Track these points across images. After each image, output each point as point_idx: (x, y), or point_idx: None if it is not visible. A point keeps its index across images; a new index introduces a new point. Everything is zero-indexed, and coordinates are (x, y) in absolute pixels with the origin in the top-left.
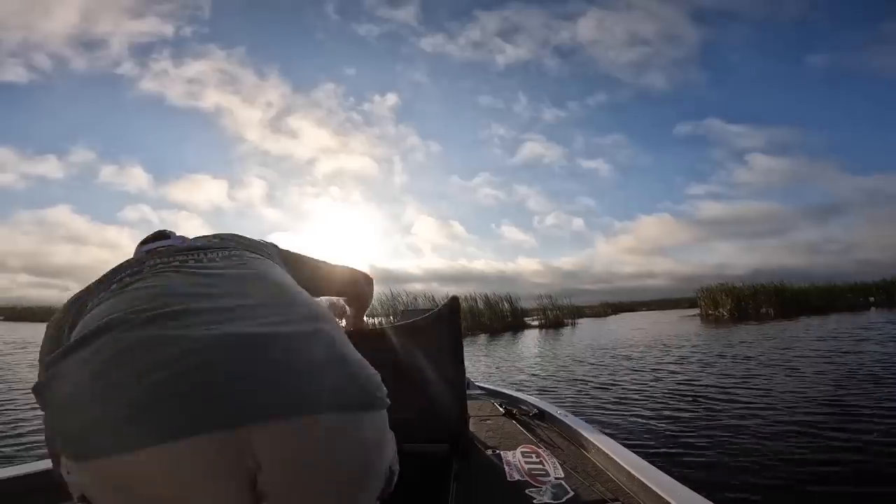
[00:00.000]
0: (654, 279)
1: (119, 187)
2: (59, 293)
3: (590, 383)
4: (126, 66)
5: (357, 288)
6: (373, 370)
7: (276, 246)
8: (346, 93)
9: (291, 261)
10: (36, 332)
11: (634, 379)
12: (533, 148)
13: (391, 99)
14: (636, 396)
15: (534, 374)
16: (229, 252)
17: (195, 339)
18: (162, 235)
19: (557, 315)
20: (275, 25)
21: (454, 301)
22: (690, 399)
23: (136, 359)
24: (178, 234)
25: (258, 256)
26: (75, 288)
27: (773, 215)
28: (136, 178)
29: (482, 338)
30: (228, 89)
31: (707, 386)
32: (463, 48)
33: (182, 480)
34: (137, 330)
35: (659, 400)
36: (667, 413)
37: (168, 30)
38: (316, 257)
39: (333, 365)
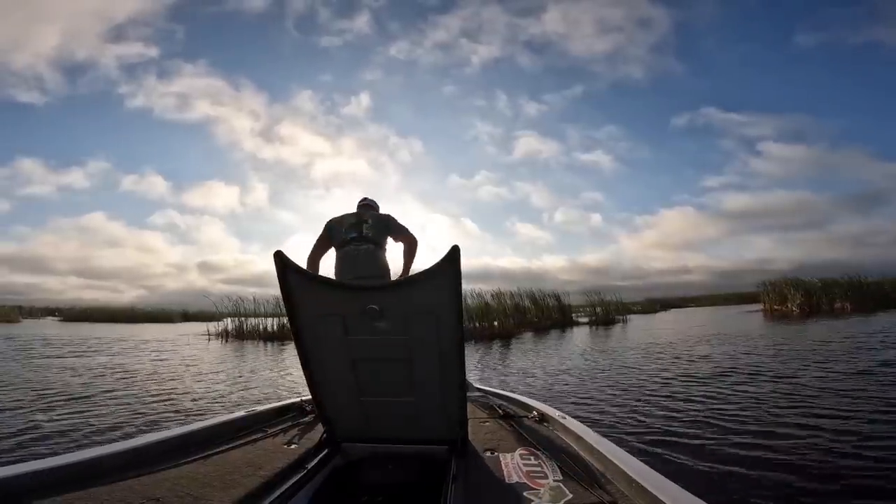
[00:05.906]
0: (689, 275)
1: (142, 194)
2: (109, 294)
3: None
4: (121, 85)
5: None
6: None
7: (387, 222)
8: (324, 98)
9: (393, 227)
10: (91, 331)
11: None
12: (528, 143)
13: (364, 101)
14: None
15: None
16: (364, 244)
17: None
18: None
19: (607, 312)
20: (242, 42)
21: (454, 250)
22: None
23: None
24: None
25: (369, 246)
26: (124, 289)
27: (805, 206)
28: (157, 185)
29: (528, 335)
30: (211, 101)
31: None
32: (430, 51)
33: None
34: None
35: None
36: None
37: (150, 51)
38: (403, 226)
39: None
